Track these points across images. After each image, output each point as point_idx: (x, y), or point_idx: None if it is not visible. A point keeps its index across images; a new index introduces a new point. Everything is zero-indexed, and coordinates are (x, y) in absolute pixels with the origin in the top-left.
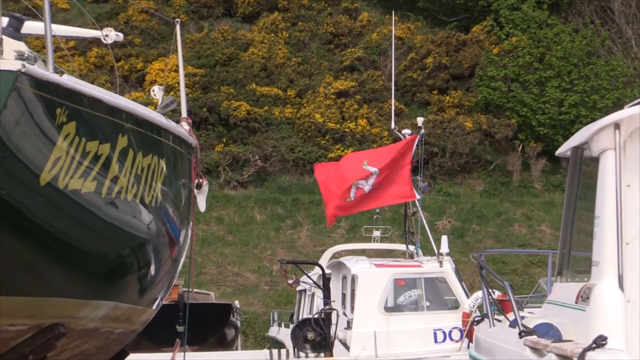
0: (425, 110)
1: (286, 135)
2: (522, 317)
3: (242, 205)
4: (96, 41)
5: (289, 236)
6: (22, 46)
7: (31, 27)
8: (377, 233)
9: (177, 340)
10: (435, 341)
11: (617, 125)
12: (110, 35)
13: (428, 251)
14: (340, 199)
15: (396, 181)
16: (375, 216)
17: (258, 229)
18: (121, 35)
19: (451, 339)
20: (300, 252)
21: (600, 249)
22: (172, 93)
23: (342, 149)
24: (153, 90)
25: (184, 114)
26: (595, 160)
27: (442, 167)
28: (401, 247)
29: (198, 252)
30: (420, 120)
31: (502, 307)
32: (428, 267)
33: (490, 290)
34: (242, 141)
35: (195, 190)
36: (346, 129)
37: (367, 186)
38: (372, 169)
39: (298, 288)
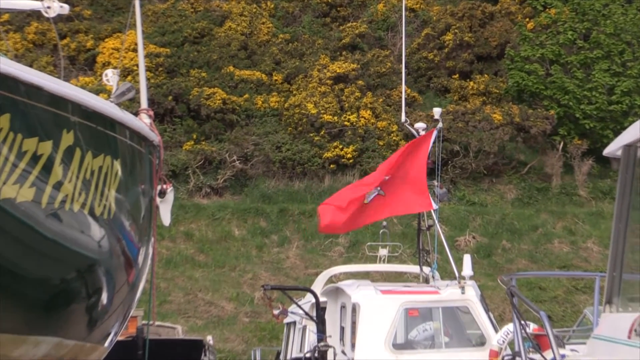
0: (444, 99)
1: (271, 130)
2: (563, 356)
3: (216, 217)
4: (35, 14)
5: (275, 255)
6: None
7: None
8: (383, 252)
9: None
10: None
11: None
12: (53, 6)
13: (447, 274)
14: (349, 205)
15: (408, 187)
16: (381, 230)
17: (236, 247)
18: (67, 6)
19: None
20: (289, 276)
21: None
22: (129, 78)
23: (340, 147)
24: (106, 75)
25: (144, 104)
26: None
27: (464, 170)
28: (414, 269)
29: (161, 276)
30: (437, 112)
31: (538, 343)
32: (447, 293)
33: (523, 322)
34: (216, 137)
35: (158, 199)
36: (346, 122)
37: (372, 195)
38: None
39: (286, 320)
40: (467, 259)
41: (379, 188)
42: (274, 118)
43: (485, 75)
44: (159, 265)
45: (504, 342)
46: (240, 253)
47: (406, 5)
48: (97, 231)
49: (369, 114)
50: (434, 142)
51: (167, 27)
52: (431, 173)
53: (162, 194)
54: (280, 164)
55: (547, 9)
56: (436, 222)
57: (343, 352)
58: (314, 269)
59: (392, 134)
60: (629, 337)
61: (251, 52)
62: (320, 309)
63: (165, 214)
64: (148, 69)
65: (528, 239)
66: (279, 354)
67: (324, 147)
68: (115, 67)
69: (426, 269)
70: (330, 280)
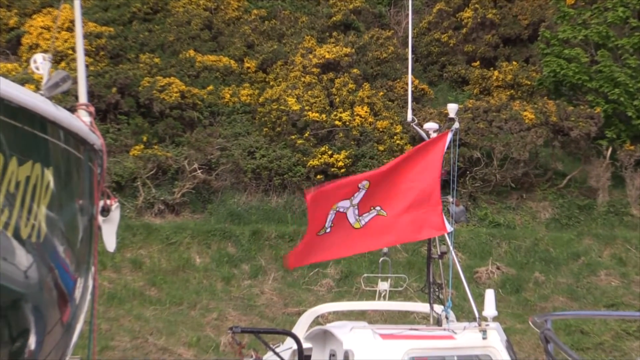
0: (461, 92)
1: (242, 131)
2: None
3: (172, 240)
4: None
5: (246, 290)
6: None
7: None
8: (384, 285)
9: None
10: None
11: None
12: None
13: (464, 314)
14: (309, 233)
15: (415, 204)
16: (381, 259)
17: (197, 279)
18: None
19: None
20: (264, 316)
21: None
22: (63, 65)
23: (329, 152)
24: (34, 61)
25: (82, 98)
26: None
27: (486, 182)
28: (422, 307)
29: (103, 315)
30: (452, 109)
31: None
32: (465, 338)
33: None
34: (172, 140)
35: (100, 218)
36: (337, 122)
37: (350, 208)
38: (362, 183)
39: None
40: (489, 294)
41: (378, 207)
42: (245, 116)
43: (514, 63)
44: (100, 302)
45: None
46: (202, 287)
47: None
48: (23, 258)
49: (366, 112)
50: (449, 147)
51: (110, 1)
52: (445, 186)
53: (106, 211)
54: (254, 174)
55: None
56: (451, 248)
57: None
58: (296, 307)
59: (395, 137)
60: None
61: (217, 32)
62: (303, 357)
63: (109, 237)
64: (87, 54)
65: (567, 270)
66: None
67: (309, 152)
68: (45, 51)
69: (438, 308)
70: (317, 321)
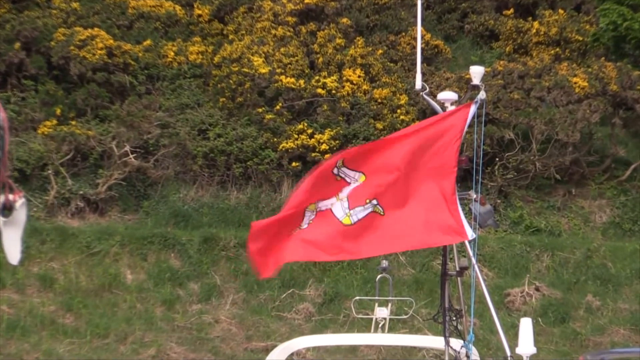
0: (489, 50)
1: (191, 101)
2: None
3: (95, 250)
4: None
5: (195, 318)
6: None
7: None
8: (382, 312)
9: None
10: None
11: None
12: None
13: (491, 351)
14: (280, 225)
15: (423, 200)
16: (379, 276)
17: (129, 302)
18: None
19: None
20: (219, 353)
21: None
22: None
23: (309, 131)
24: None
25: None
26: None
27: (522, 173)
28: (434, 342)
29: (1, 349)
30: (477, 73)
31: None
32: None
33: None
34: (96, 114)
35: (1, 219)
36: (319, 90)
37: (337, 203)
38: (350, 173)
39: None
40: (525, 325)
41: (375, 201)
42: (195, 81)
43: (560, 12)
44: None
45: None
46: (135, 313)
47: None
48: None
49: (360, 76)
50: (471, 125)
51: None
52: (466, 178)
53: (7, 210)
54: (206, 160)
55: None
56: (474, 261)
57: None
58: (263, 340)
59: (398, 111)
60: None
61: None
62: None
63: (11, 245)
64: None
65: (630, 292)
66: None
67: (282, 131)
68: None
69: (456, 343)
70: None
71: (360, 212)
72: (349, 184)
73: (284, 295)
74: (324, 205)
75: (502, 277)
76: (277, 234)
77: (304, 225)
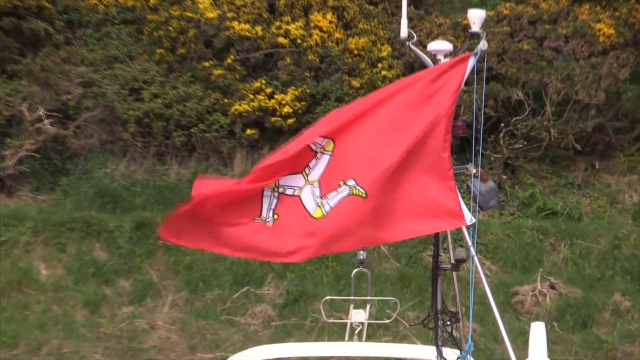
0: None
1: (121, 54)
2: None
3: (0, 238)
4: None
5: (126, 323)
6: None
7: None
8: (359, 315)
9: None
10: None
11: None
12: None
13: None
14: (230, 198)
15: (412, 177)
16: (355, 270)
17: (44, 303)
18: None
19: None
20: None
21: None
22: None
23: (269, 90)
24: None
25: None
26: None
27: (534, 142)
28: (424, 352)
29: None
30: (477, 18)
31: None
32: None
33: None
34: (2, 69)
35: None
36: (281, 39)
37: (306, 187)
38: (318, 140)
39: None
40: (537, 331)
41: (352, 181)
42: (126, 28)
43: None
44: None
45: None
46: (51, 316)
47: None
48: None
49: (331, 22)
50: (469, 82)
51: None
52: (463, 148)
53: None
54: (140, 126)
55: None
56: (472, 252)
57: None
58: (210, 351)
59: (379, 65)
60: None
61: None
62: None
63: None
64: None
65: None
66: None
67: (234, 91)
68: None
69: (451, 353)
70: None
71: (333, 198)
72: (314, 153)
73: (237, 294)
74: (289, 187)
75: (508, 271)
76: (222, 208)
77: (268, 220)
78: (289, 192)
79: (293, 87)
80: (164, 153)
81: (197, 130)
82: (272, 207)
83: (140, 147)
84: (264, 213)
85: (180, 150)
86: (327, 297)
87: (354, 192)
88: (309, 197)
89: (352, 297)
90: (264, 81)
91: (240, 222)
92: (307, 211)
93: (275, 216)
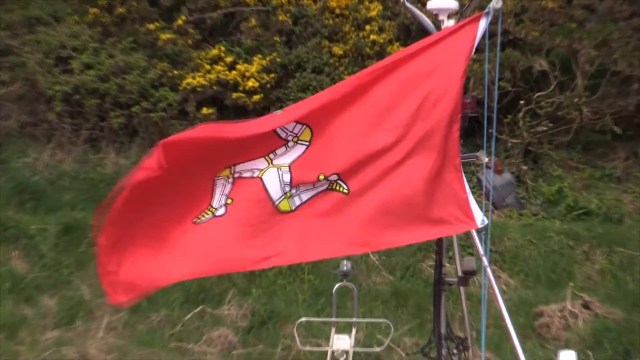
0: None
1: (45, 14)
2: None
3: None
4: None
5: (51, 350)
6: None
7: None
8: (343, 342)
9: None
10: None
11: None
12: None
13: None
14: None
15: (408, 169)
16: (337, 284)
17: None
18: None
19: None
20: None
21: None
22: None
23: (229, 59)
24: None
25: None
26: None
27: (561, 123)
28: None
29: None
30: None
31: None
32: None
33: None
34: None
35: None
36: None
37: (270, 170)
38: (290, 127)
39: None
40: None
41: (334, 176)
42: None
43: None
44: None
45: None
46: None
47: None
48: None
49: None
50: (479, 49)
51: None
52: (472, 132)
53: None
54: (69, 104)
55: None
56: (485, 262)
57: None
58: None
59: (367, 27)
60: None
61: None
62: None
63: None
64: None
65: None
66: None
67: (186, 59)
68: None
69: None
70: None
71: (307, 192)
72: (284, 141)
73: (189, 315)
74: (247, 170)
75: (530, 286)
76: (159, 219)
77: (219, 209)
78: (247, 174)
79: (260, 56)
80: (98, 138)
81: (139, 109)
82: (226, 192)
83: (68, 130)
84: (214, 202)
85: (118, 135)
86: (303, 319)
87: (334, 187)
88: (274, 182)
89: (333, 319)
90: (223, 48)
91: (182, 227)
92: (271, 199)
93: (229, 200)
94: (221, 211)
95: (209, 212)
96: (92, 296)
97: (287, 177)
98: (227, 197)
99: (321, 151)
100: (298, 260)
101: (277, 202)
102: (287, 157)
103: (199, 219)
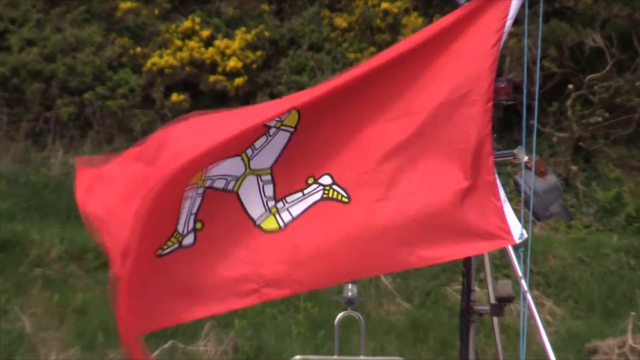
0: None
1: None
2: None
3: None
4: None
5: None
6: None
7: None
8: None
9: None
10: None
11: None
12: None
13: None
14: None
15: (429, 174)
16: (340, 314)
17: None
18: None
19: None
20: None
21: None
22: None
23: (205, 33)
24: None
25: None
26: None
27: (621, 113)
28: None
29: None
30: None
31: None
32: None
33: None
34: None
35: None
36: None
37: (249, 178)
38: (277, 117)
39: None
40: None
41: (328, 179)
42: None
43: None
44: None
45: None
46: None
47: None
48: None
49: None
50: (518, 22)
51: None
52: (509, 122)
53: None
54: (5, 90)
55: None
56: (524, 286)
57: None
58: None
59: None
60: None
61: None
62: None
63: None
64: None
65: None
66: None
67: (151, 33)
68: None
69: None
70: None
71: (297, 203)
72: (266, 129)
73: (157, 351)
74: (219, 177)
75: (582, 316)
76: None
77: (187, 236)
78: (219, 184)
79: (243, 29)
80: (42, 132)
81: (93, 95)
82: (194, 211)
83: (5, 122)
84: (180, 225)
85: (68, 128)
86: (298, 357)
87: (331, 195)
88: (254, 196)
89: (335, 357)
90: (197, 19)
91: (145, 261)
92: (250, 218)
93: (199, 225)
94: (189, 240)
95: (173, 240)
96: (35, 329)
97: (269, 190)
98: (196, 218)
99: (309, 142)
100: (299, 289)
101: (258, 222)
102: (267, 155)
103: (163, 250)
